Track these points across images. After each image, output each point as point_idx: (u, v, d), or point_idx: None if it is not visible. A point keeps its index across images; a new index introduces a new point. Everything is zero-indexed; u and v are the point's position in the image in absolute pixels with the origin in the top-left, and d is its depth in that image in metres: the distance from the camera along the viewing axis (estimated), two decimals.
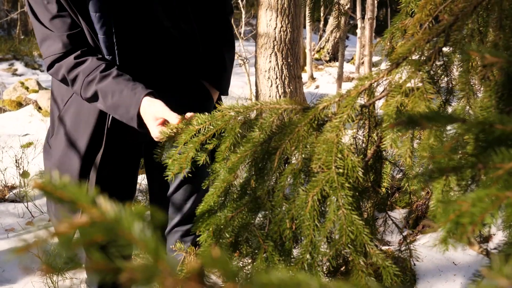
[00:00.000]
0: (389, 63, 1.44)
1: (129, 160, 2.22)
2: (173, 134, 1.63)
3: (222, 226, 1.42)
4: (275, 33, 5.74)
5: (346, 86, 7.96)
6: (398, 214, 3.94)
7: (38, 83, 7.90)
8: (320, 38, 11.23)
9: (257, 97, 6.00)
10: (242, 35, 8.56)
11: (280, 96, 5.82)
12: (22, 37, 18.48)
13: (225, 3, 2.20)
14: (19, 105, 7.30)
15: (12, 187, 5.08)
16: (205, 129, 1.54)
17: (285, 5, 5.77)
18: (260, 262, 1.37)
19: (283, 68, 5.81)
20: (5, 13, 23.26)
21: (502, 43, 1.32)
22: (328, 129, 1.41)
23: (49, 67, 2.02)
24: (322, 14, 11.25)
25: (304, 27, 10.01)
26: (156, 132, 1.77)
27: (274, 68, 5.79)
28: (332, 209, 1.29)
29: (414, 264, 3.26)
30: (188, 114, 1.65)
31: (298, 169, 1.39)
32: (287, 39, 5.80)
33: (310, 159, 1.39)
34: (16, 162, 5.08)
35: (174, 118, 1.72)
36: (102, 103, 1.94)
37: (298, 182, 1.39)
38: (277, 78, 5.79)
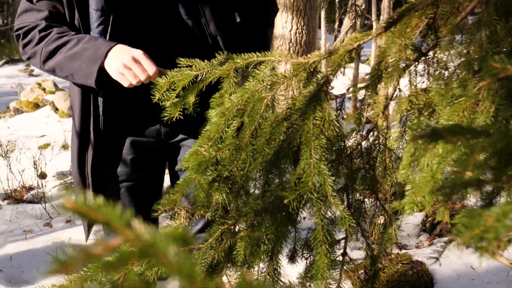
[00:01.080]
0: (379, 27, 1.44)
1: (152, 164, 2.21)
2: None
3: (206, 162, 1.41)
4: (290, 35, 5.74)
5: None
6: (415, 217, 3.94)
7: (55, 84, 7.95)
8: (335, 39, 11.22)
9: None
10: None
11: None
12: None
13: (261, 12, 2.17)
14: (36, 106, 7.36)
15: (30, 188, 5.12)
16: (203, 76, 1.56)
17: (301, 7, 5.77)
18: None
19: None
20: None
21: (485, 20, 1.31)
22: (313, 82, 1.43)
23: (16, 33, 2.01)
24: (337, 15, 11.22)
25: (319, 27, 9.99)
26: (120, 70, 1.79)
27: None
28: (304, 156, 1.31)
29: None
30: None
31: (282, 118, 1.40)
32: (302, 41, 5.80)
33: (294, 109, 1.41)
34: (34, 163, 5.12)
35: (151, 67, 1.77)
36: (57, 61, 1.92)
37: (280, 130, 1.40)
38: None
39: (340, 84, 8.91)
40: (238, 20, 2.19)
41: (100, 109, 2.05)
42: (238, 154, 1.36)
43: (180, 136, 2.12)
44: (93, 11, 1.91)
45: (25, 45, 1.99)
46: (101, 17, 1.90)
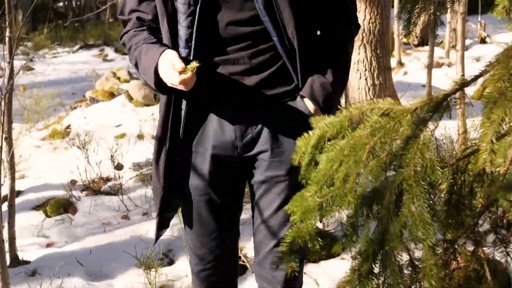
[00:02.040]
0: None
1: (230, 178, 2.23)
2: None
3: (311, 210, 1.43)
4: (363, 25, 5.68)
5: (436, 73, 7.80)
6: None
7: (130, 73, 8.09)
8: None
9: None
10: None
11: (369, 89, 5.77)
12: (111, 20, 18.90)
13: (342, 28, 2.17)
14: (111, 95, 7.51)
15: (107, 179, 5.25)
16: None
17: None
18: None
19: (372, 60, 5.75)
20: None
21: None
22: (415, 128, 1.41)
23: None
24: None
25: (392, 6, 9.81)
26: (173, 78, 1.95)
27: (363, 60, 5.74)
28: (407, 204, 1.30)
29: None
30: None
31: (383, 163, 1.40)
32: (376, 31, 5.73)
33: (396, 156, 1.40)
34: (111, 157, 5.24)
35: (179, 63, 1.94)
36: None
37: (380, 176, 1.40)
38: (366, 70, 5.74)
39: (414, 70, 8.77)
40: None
41: (183, 114, 2.12)
42: (341, 201, 1.36)
43: (256, 150, 2.13)
44: (180, 5, 2.02)
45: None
46: (189, 9, 2.01)
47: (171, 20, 2.06)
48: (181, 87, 1.96)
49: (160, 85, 2.05)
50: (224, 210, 2.24)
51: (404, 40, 10.27)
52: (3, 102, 2.94)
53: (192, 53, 2.04)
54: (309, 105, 2.09)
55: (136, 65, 2.14)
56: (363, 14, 5.69)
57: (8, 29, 3.59)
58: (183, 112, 2.12)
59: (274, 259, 2.16)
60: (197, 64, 1.92)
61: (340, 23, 2.15)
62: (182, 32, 2.04)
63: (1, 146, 3.15)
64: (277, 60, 2.07)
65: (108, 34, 15.21)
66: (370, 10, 5.70)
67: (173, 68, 1.94)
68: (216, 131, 2.13)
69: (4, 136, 3.56)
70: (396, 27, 9.44)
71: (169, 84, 1.99)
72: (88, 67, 11.88)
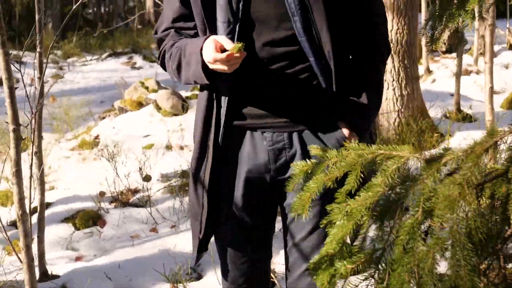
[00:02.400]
0: None
1: (263, 201, 2.24)
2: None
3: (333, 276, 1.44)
4: (391, 35, 5.66)
5: (464, 80, 7.73)
6: None
7: (158, 83, 8.13)
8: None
9: None
10: None
11: (397, 99, 5.74)
12: (140, 26, 19.04)
13: (375, 53, 2.17)
14: (140, 105, 7.55)
15: (135, 191, 5.29)
16: (331, 167, 1.58)
17: (401, 7, 5.67)
18: None
19: (400, 70, 5.73)
20: (123, 2, 24.07)
21: None
22: (450, 184, 1.39)
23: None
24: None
25: (420, 11, 9.76)
26: (217, 54, 1.93)
27: (391, 70, 5.71)
28: (452, 268, 1.29)
29: None
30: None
31: (418, 223, 1.39)
32: (403, 41, 5.71)
33: (431, 213, 1.39)
34: (139, 169, 5.27)
35: (228, 43, 1.92)
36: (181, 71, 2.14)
37: (417, 236, 1.39)
38: (393, 80, 5.71)
39: (442, 77, 8.71)
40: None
41: (222, 120, 2.12)
42: (371, 270, 1.36)
43: (290, 173, 2.14)
44: (220, 23, 2.04)
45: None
46: (228, 27, 2.02)
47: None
48: (223, 68, 1.94)
49: (205, 70, 2.02)
50: (255, 231, 2.24)
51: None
52: (33, 120, 2.97)
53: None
54: (344, 129, 2.10)
55: (178, 66, 2.12)
56: (391, 25, 5.67)
57: (38, 45, 3.64)
58: (220, 138, 2.13)
59: (306, 282, 2.16)
60: (242, 44, 1.91)
61: (373, 47, 2.16)
62: None
63: (32, 162, 3.19)
64: (313, 81, 2.08)
65: (136, 42, 15.35)
66: (398, 20, 5.68)
67: (218, 47, 1.94)
68: (250, 155, 2.14)
69: (34, 151, 3.61)
70: (424, 34, 9.37)
71: (211, 66, 1.96)
72: (117, 75, 11.99)
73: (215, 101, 2.12)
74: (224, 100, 2.10)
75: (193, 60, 2.03)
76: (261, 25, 2.05)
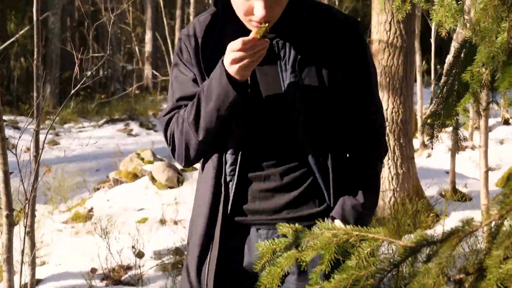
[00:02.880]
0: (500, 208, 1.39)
1: None
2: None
3: None
4: (387, 114, 5.70)
5: (460, 156, 7.76)
6: None
7: (153, 154, 8.14)
8: (431, 101, 11.06)
9: None
10: None
11: (392, 178, 5.75)
12: (137, 91, 19.19)
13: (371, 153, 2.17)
14: (135, 176, 7.54)
15: (128, 268, 5.22)
16: (304, 246, 1.56)
17: (397, 86, 5.73)
18: None
19: (395, 149, 5.75)
20: (121, 68, 24.34)
21: None
22: (425, 273, 1.38)
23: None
24: (433, 67, 11.08)
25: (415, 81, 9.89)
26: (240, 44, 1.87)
27: None
28: None
29: None
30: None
31: None
32: (399, 120, 5.75)
33: None
34: (132, 247, 5.22)
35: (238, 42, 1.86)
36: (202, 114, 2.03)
37: None
38: (389, 159, 5.72)
39: (438, 152, 8.73)
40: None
41: (230, 196, 2.08)
42: None
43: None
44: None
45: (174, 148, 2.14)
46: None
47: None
48: (249, 61, 1.90)
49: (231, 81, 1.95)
50: None
51: (429, 120, 10.28)
52: (27, 205, 2.95)
53: (238, 164, 2.04)
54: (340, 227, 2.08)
55: (196, 111, 2.03)
56: (386, 104, 5.72)
57: (35, 124, 3.64)
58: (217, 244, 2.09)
59: None
60: (266, 26, 1.88)
61: (370, 146, 2.15)
62: (231, 135, 2.05)
63: (24, 243, 3.16)
64: (308, 177, 2.07)
65: (133, 108, 15.44)
66: (393, 99, 5.73)
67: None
68: (245, 252, 2.11)
69: (26, 230, 3.57)
70: (419, 108, 9.46)
71: (236, 64, 1.90)
72: (113, 141, 12.01)
73: (222, 194, 2.08)
74: (231, 190, 2.07)
75: (214, 84, 1.97)
76: (261, 122, 2.06)
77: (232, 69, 1.91)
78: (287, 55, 2.03)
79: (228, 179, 2.07)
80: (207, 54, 2.08)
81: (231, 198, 2.07)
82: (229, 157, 2.05)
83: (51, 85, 16.52)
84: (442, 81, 2.58)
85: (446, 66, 6.57)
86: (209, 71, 2.02)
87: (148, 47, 21.63)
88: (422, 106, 9.76)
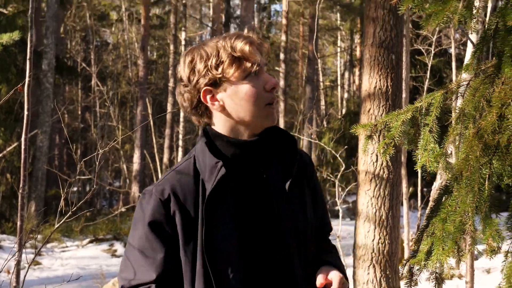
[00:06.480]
0: None
1: None
2: None
3: None
4: (373, 245, 5.68)
5: (447, 285, 7.67)
6: None
7: None
8: (418, 228, 11.05)
9: None
10: (341, 214, 8.57)
11: None
12: (123, 209, 19.07)
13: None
14: None
15: None
16: None
17: (383, 217, 5.75)
18: None
19: (382, 280, 5.69)
20: (108, 184, 24.35)
21: None
22: None
23: None
24: (419, 190, 11.13)
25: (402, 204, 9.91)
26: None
27: (373, 280, 5.68)
28: None
29: None
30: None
31: None
32: (385, 251, 5.73)
33: None
34: None
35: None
36: None
37: None
38: None
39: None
40: None
41: None
42: None
43: None
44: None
45: None
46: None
47: None
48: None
49: None
50: None
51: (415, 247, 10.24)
52: None
53: None
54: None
55: None
56: (373, 234, 5.72)
57: (17, 253, 3.58)
58: None
59: None
60: None
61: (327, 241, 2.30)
62: None
63: None
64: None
65: (118, 228, 15.30)
66: (380, 230, 5.73)
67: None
68: None
69: None
70: (406, 236, 9.45)
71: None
72: (97, 262, 11.82)
73: None
74: None
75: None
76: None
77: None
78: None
79: None
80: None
81: None
82: None
83: (36, 202, 16.41)
84: (422, 224, 2.59)
85: (432, 193, 6.61)
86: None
87: (136, 166, 21.72)
88: (409, 233, 9.73)
